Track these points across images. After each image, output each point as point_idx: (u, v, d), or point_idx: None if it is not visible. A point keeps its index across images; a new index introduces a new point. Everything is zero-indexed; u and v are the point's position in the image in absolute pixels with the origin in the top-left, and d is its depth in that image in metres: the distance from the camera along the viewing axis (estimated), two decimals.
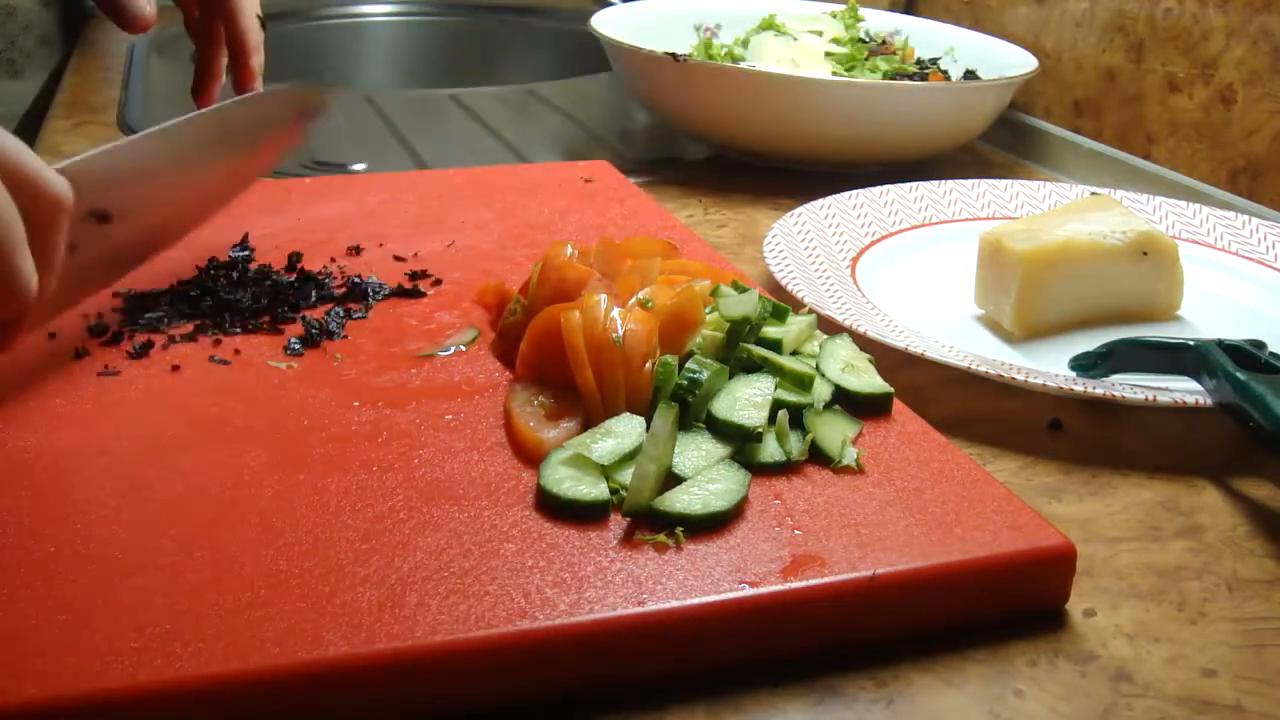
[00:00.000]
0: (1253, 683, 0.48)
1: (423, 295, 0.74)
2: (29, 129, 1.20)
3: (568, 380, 0.59)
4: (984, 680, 0.47)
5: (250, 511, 0.51)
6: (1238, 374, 0.61)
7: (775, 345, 0.63)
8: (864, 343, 0.66)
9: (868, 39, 1.26)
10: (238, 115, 0.74)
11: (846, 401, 0.61)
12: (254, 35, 0.80)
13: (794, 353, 0.64)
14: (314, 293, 0.72)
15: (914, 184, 0.96)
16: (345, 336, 0.68)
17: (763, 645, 0.48)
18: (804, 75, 1.10)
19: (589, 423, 0.57)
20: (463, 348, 0.67)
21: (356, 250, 0.81)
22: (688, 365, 0.58)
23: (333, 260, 0.79)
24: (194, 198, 0.70)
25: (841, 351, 0.63)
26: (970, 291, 0.80)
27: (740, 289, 0.66)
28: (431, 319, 0.71)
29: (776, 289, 0.77)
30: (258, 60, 0.80)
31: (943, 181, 0.97)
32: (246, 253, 0.76)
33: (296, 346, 0.66)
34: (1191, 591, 0.54)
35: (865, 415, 0.60)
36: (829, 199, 0.91)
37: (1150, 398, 0.64)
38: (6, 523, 0.50)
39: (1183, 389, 0.65)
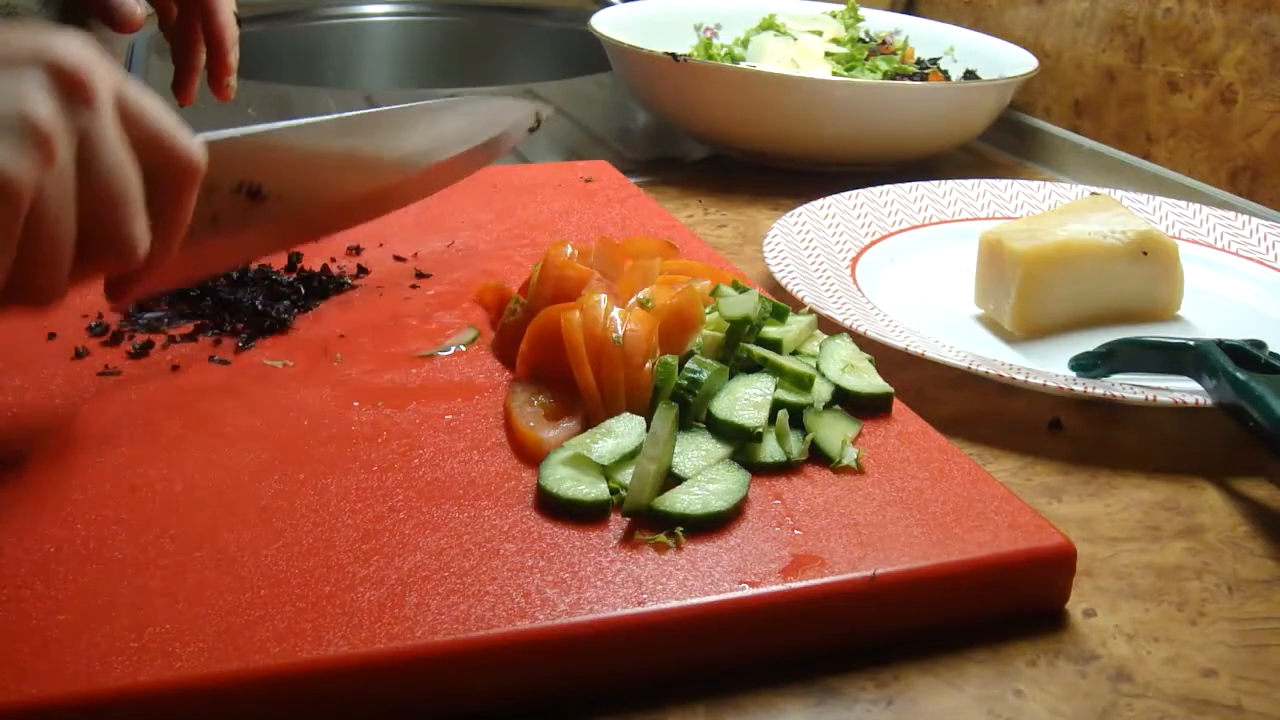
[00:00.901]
0: (1252, 683, 0.48)
1: (350, 286, 0.73)
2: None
3: (568, 380, 0.59)
4: (984, 680, 0.47)
5: (250, 511, 0.51)
6: (1238, 374, 0.61)
7: (775, 345, 0.63)
8: (864, 343, 0.66)
9: (868, 39, 1.26)
10: (424, 121, 0.72)
11: (846, 401, 0.61)
12: (231, 31, 0.81)
13: (794, 353, 0.64)
14: (309, 290, 0.72)
15: (914, 184, 0.96)
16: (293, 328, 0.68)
17: (763, 645, 0.48)
18: (804, 75, 1.10)
19: (589, 423, 0.57)
20: (463, 348, 0.67)
21: (356, 250, 0.81)
22: (688, 365, 0.58)
23: (333, 260, 0.79)
24: (361, 193, 0.68)
25: (841, 351, 0.63)
26: (970, 291, 0.80)
27: (740, 289, 0.66)
28: (431, 319, 0.71)
29: (776, 289, 0.77)
30: (234, 56, 0.81)
31: (943, 181, 0.97)
32: None
33: (237, 347, 0.66)
34: (1191, 591, 0.54)
35: (865, 415, 0.60)
36: (829, 199, 0.91)
37: (1150, 398, 0.64)
38: (6, 523, 0.50)
39: (1183, 389, 0.65)
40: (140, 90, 0.50)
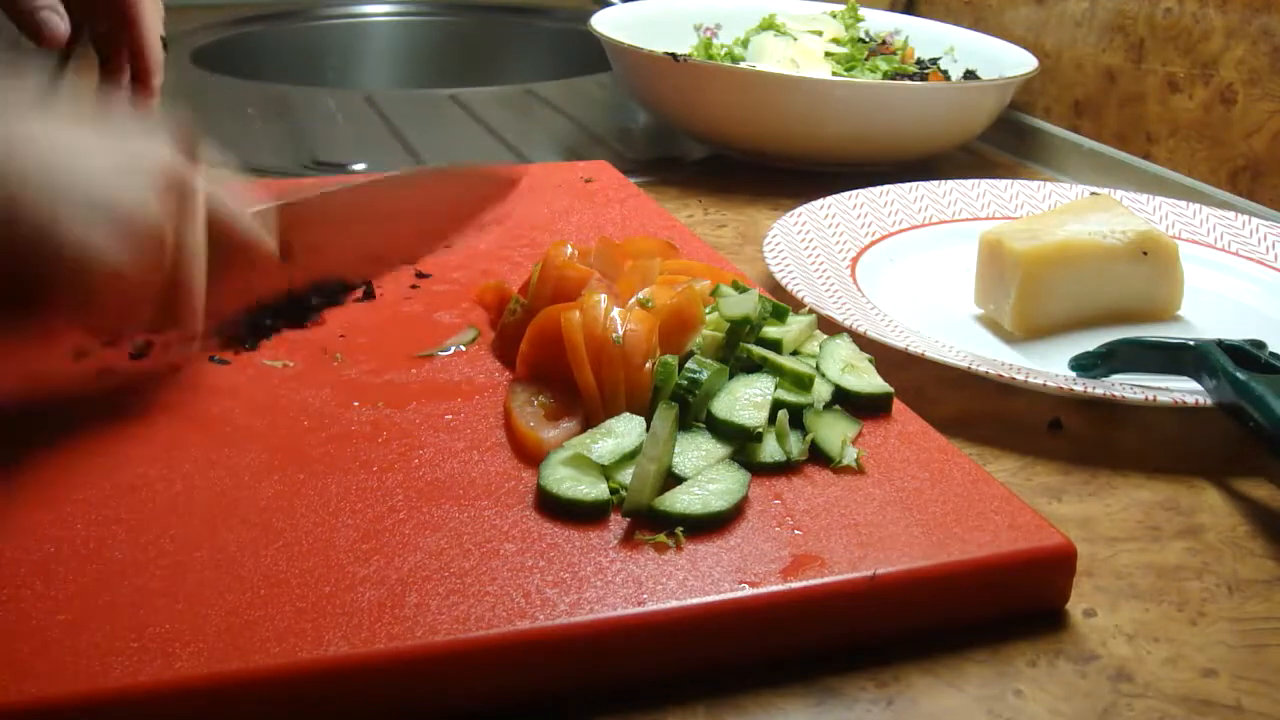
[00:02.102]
0: (1252, 683, 0.48)
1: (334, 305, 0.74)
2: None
3: (568, 380, 0.59)
4: (984, 680, 0.47)
5: (250, 511, 0.51)
6: (1238, 374, 0.61)
7: (775, 345, 0.63)
8: (864, 343, 0.66)
9: (868, 39, 1.26)
10: (431, 185, 0.82)
11: (846, 401, 0.61)
12: (155, 55, 0.83)
13: (794, 353, 0.64)
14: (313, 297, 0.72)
15: (914, 184, 0.96)
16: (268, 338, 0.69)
17: (763, 645, 0.48)
18: (804, 75, 1.10)
19: (589, 423, 0.57)
20: (463, 348, 0.67)
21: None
22: (688, 365, 0.58)
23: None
24: (373, 252, 0.77)
25: (841, 351, 0.63)
26: (970, 291, 0.80)
27: (740, 289, 0.66)
28: (431, 319, 0.71)
29: (776, 289, 0.77)
30: (158, 80, 0.83)
31: (943, 181, 0.97)
32: None
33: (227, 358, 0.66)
34: (1191, 591, 0.54)
35: (865, 415, 0.60)
36: (829, 199, 0.91)
37: (1150, 398, 0.64)
38: (6, 523, 0.50)
39: (1183, 389, 0.65)
40: (224, 192, 0.60)
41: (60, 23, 0.75)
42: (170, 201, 0.55)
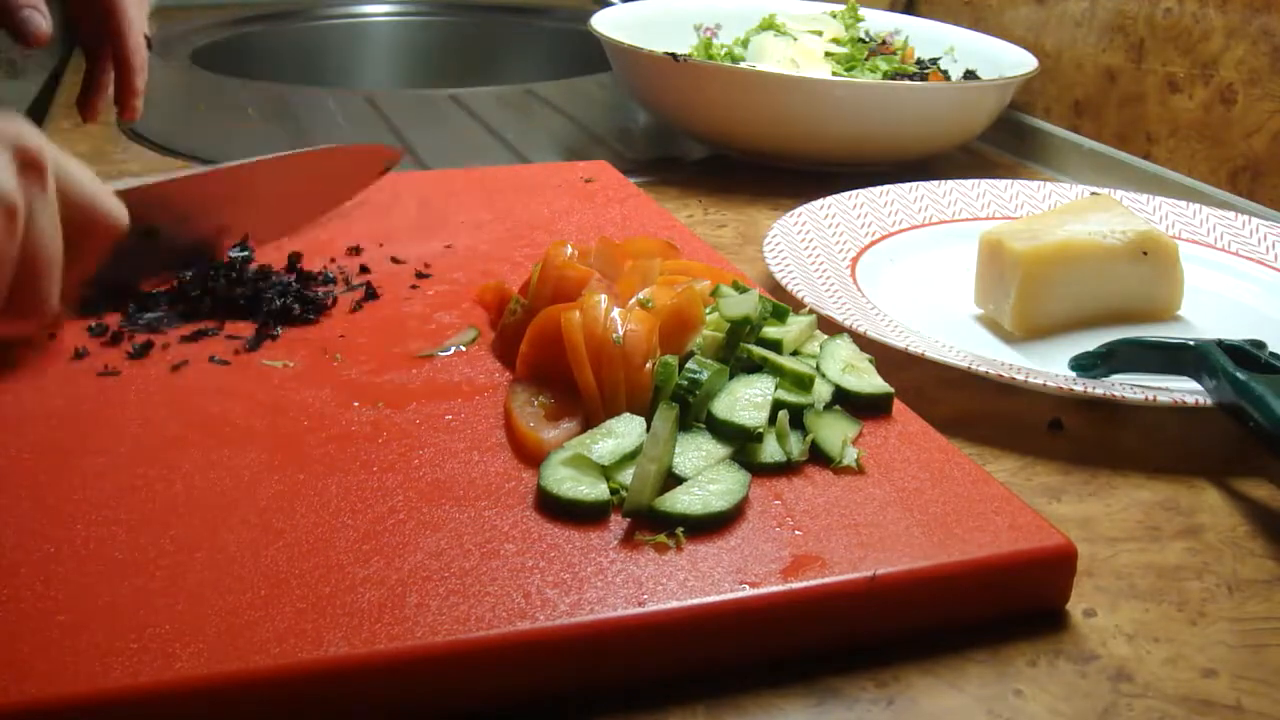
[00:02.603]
0: (1252, 683, 0.48)
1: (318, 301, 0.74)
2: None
3: (568, 380, 0.59)
4: (984, 680, 0.47)
5: (250, 511, 0.51)
6: (1238, 374, 0.61)
7: (775, 345, 0.63)
8: (864, 343, 0.66)
9: (868, 39, 1.26)
10: (302, 165, 0.82)
11: (847, 402, 0.61)
12: (139, 55, 0.83)
13: (794, 353, 0.64)
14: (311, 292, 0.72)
15: (914, 184, 0.96)
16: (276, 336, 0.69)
17: (763, 645, 0.48)
18: (804, 75, 1.10)
19: (589, 423, 0.57)
20: (463, 348, 0.67)
21: (356, 250, 0.81)
22: (688, 365, 0.58)
23: (332, 260, 0.79)
24: (242, 226, 0.78)
25: (842, 352, 0.63)
26: (970, 291, 0.80)
27: (740, 289, 0.66)
28: (431, 319, 0.71)
29: (776, 289, 0.77)
30: (142, 79, 0.84)
31: (943, 181, 0.97)
32: (246, 253, 0.76)
33: (229, 355, 0.66)
34: (1191, 591, 0.54)
35: (865, 415, 0.60)
36: (829, 199, 0.91)
37: (1150, 398, 0.64)
38: (6, 523, 0.50)
39: (1183, 389, 0.65)
40: (70, 160, 0.58)
41: (43, 21, 0.75)
42: (23, 172, 0.54)
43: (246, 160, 0.79)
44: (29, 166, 0.54)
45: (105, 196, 0.60)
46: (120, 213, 0.60)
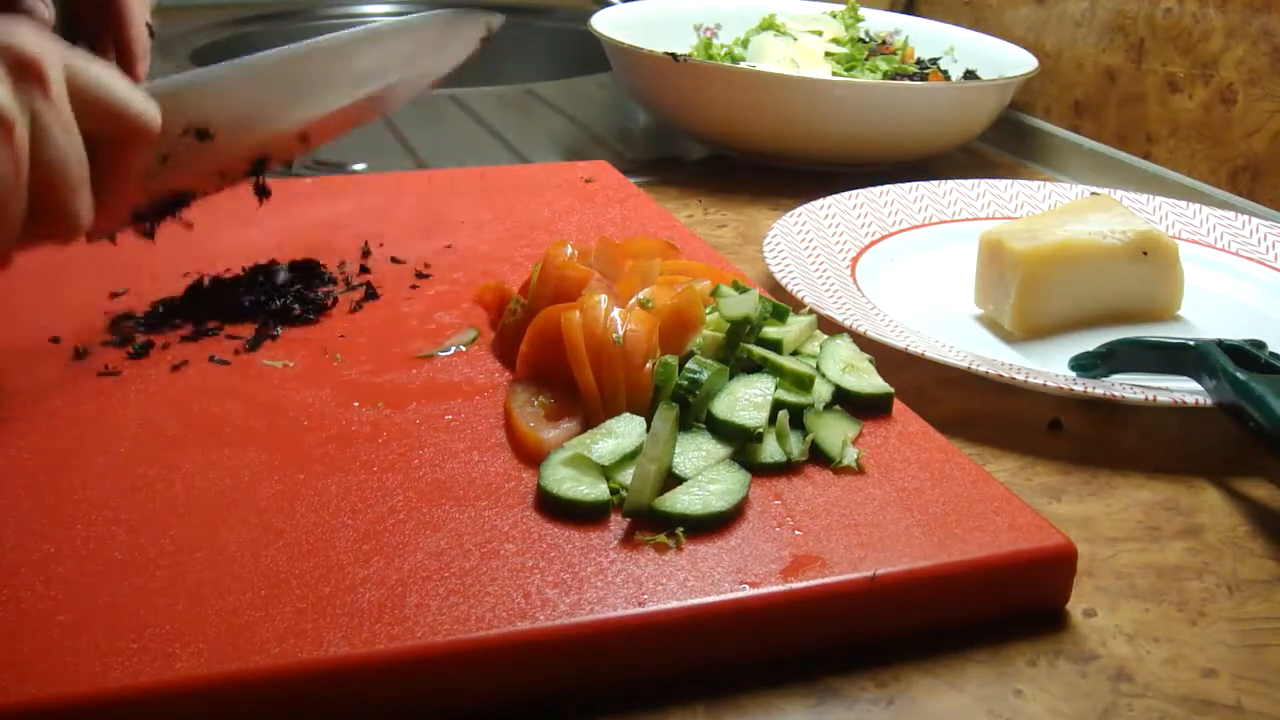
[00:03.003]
0: (1252, 683, 0.48)
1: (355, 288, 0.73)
2: None
3: (568, 380, 0.59)
4: (984, 680, 0.47)
5: (250, 511, 0.51)
6: (1238, 374, 0.61)
7: (775, 345, 0.63)
8: (864, 343, 0.66)
9: (868, 39, 1.26)
10: (375, 44, 0.74)
11: (847, 402, 0.61)
12: (141, 43, 0.81)
13: (794, 353, 0.64)
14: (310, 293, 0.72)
15: (914, 184, 0.96)
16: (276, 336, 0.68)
17: (763, 645, 0.48)
18: (804, 75, 1.10)
19: (589, 423, 0.57)
20: (463, 348, 0.67)
21: (366, 252, 0.81)
22: (688, 365, 0.58)
23: (342, 264, 0.79)
24: (308, 122, 0.70)
25: (842, 352, 0.63)
26: (970, 291, 0.80)
27: (740, 289, 0.66)
28: (431, 319, 0.71)
29: (776, 289, 0.77)
30: (143, 67, 0.82)
31: (943, 181, 0.97)
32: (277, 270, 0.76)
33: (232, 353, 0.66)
34: (1191, 591, 0.54)
35: (865, 415, 0.60)
36: (829, 199, 0.91)
37: (1150, 398, 0.64)
38: (6, 523, 0.50)
39: (1183, 389, 0.65)
40: (91, 62, 0.53)
41: (45, 10, 0.75)
42: (18, 78, 0.49)
43: (317, 40, 0.71)
44: (28, 73, 0.49)
45: (132, 97, 0.55)
46: (152, 113, 0.55)
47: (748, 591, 0.47)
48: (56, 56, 0.51)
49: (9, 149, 0.49)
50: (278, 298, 0.71)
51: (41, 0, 0.74)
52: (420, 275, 0.77)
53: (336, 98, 0.71)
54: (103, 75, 0.54)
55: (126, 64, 0.81)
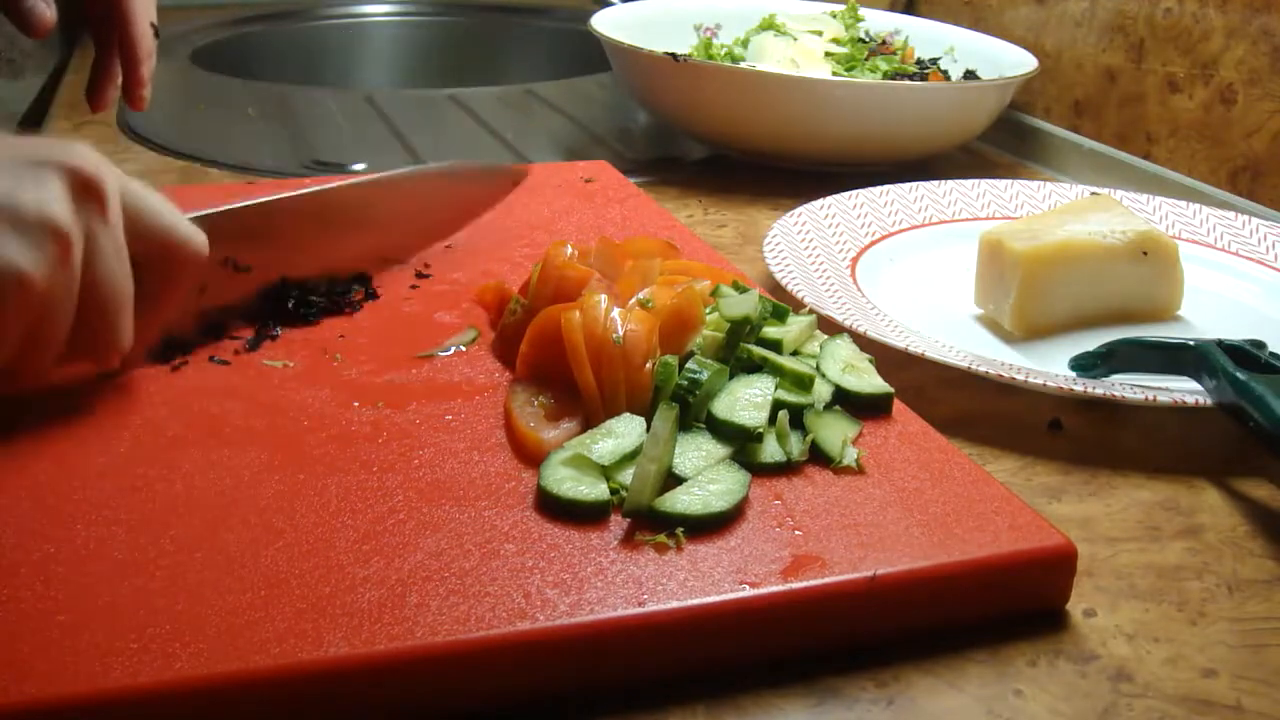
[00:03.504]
0: (1252, 683, 0.48)
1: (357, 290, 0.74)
2: (30, 129, 1.20)
3: (568, 380, 0.59)
4: (984, 680, 0.47)
5: (250, 511, 0.51)
6: (1238, 374, 0.61)
7: (775, 345, 0.63)
8: (864, 343, 0.66)
9: (868, 39, 1.26)
10: (407, 187, 0.76)
11: (847, 402, 0.61)
12: (145, 43, 0.82)
13: (794, 353, 0.64)
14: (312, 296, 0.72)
15: (914, 184, 0.96)
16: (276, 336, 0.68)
17: (763, 645, 0.48)
18: (804, 75, 1.10)
19: (589, 423, 0.57)
20: (463, 348, 0.67)
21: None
22: (688, 365, 0.58)
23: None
24: (333, 257, 0.73)
25: (842, 352, 0.63)
26: (970, 291, 0.80)
27: (740, 289, 0.66)
28: (431, 319, 0.71)
29: (776, 289, 0.77)
30: (148, 68, 0.82)
31: (943, 181, 0.97)
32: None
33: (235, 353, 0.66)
34: (1191, 591, 0.54)
35: (865, 415, 0.60)
36: (829, 199, 0.91)
37: (1150, 398, 0.64)
38: (6, 523, 0.50)
39: (1183, 389, 0.65)
40: (143, 190, 0.55)
41: (47, 11, 0.75)
42: (79, 199, 0.51)
43: (350, 180, 0.73)
44: (87, 193, 0.51)
45: (182, 225, 0.56)
46: (199, 241, 0.57)
47: (748, 591, 0.47)
48: (115, 181, 0.52)
49: (66, 268, 0.50)
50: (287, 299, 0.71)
51: (44, 1, 0.74)
52: (420, 275, 0.77)
53: (368, 239, 0.73)
54: (155, 202, 0.55)
55: (131, 64, 0.81)
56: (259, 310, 0.69)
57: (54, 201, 0.49)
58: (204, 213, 0.61)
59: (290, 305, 0.70)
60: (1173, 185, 1.06)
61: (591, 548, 0.50)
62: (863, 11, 1.26)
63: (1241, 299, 0.84)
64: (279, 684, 0.42)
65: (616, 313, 0.59)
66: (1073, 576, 0.52)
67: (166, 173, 1.06)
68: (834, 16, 1.25)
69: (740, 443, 0.56)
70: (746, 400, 0.57)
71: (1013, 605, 0.51)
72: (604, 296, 0.60)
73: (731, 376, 0.59)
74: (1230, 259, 0.88)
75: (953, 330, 0.77)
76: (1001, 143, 1.24)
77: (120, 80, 0.82)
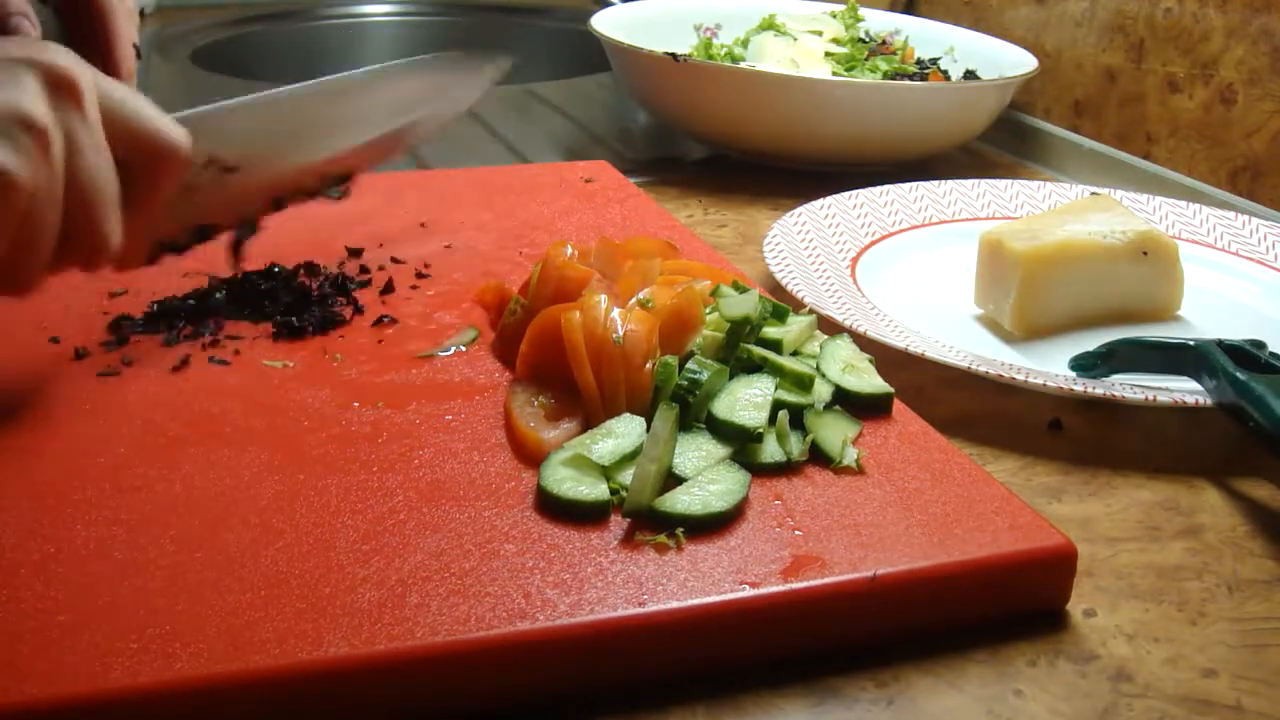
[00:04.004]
0: (1253, 683, 0.48)
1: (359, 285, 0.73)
2: None
3: (568, 380, 0.59)
4: (984, 680, 0.47)
5: (250, 511, 0.51)
6: (1238, 374, 0.61)
7: (775, 345, 0.63)
8: (864, 343, 0.66)
9: (868, 39, 1.26)
10: (391, 82, 0.75)
11: (847, 402, 0.61)
12: (128, 64, 0.82)
13: (794, 353, 0.64)
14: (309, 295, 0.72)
15: (914, 184, 0.96)
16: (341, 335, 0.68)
17: (763, 645, 0.48)
18: (804, 75, 1.10)
19: (589, 423, 0.57)
20: (463, 348, 0.67)
21: (357, 252, 0.81)
22: (688, 365, 0.58)
23: (341, 265, 0.79)
24: (325, 159, 0.70)
25: (842, 352, 0.63)
26: (970, 291, 0.80)
27: (740, 289, 0.66)
28: (431, 319, 0.71)
29: (776, 289, 0.77)
30: (131, 87, 0.82)
31: (943, 181, 0.97)
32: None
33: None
34: (1191, 591, 0.54)
35: (865, 415, 0.60)
36: (829, 199, 0.91)
37: (1150, 398, 0.64)
38: (6, 523, 0.50)
39: (1183, 389, 0.65)
40: (122, 89, 0.54)
41: (32, 30, 0.75)
42: (55, 96, 0.50)
43: (335, 77, 0.71)
44: (62, 89, 0.50)
45: (163, 121, 0.55)
46: (183, 139, 0.56)
47: (748, 591, 0.47)
48: (90, 77, 0.52)
49: (46, 163, 0.49)
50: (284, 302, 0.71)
51: (28, 19, 0.74)
52: (420, 275, 0.77)
53: (355, 135, 0.72)
54: (133, 99, 0.54)
55: None
56: (258, 308, 0.70)
57: (29, 97, 0.49)
58: (186, 113, 0.61)
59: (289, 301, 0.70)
60: (1173, 185, 1.06)
61: (591, 548, 0.50)
62: (863, 11, 1.26)
63: (1241, 299, 0.84)
64: (279, 684, 0.42)
65: (616, 313, 0.59)
66: (1073, 576, 0.52)
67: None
68: (834, 16, 1.25)
69: (740, 443, 0.56)
70: (746, 400, 0.57)
71: (1013, 605, 0.51)
72: (604, 296, 0.60)
73: (731, 376, 0.59)
74: (1230, 259, 0.88)
75: (953, 330, 0.77)
76: (1001, 143, 1.24)
77: None
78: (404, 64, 0.77)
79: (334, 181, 0.71)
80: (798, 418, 0.58)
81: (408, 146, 0.76)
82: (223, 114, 0.64)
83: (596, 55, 1.21)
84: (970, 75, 1.20)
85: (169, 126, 0.55)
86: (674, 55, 1.05)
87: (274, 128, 0.67)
